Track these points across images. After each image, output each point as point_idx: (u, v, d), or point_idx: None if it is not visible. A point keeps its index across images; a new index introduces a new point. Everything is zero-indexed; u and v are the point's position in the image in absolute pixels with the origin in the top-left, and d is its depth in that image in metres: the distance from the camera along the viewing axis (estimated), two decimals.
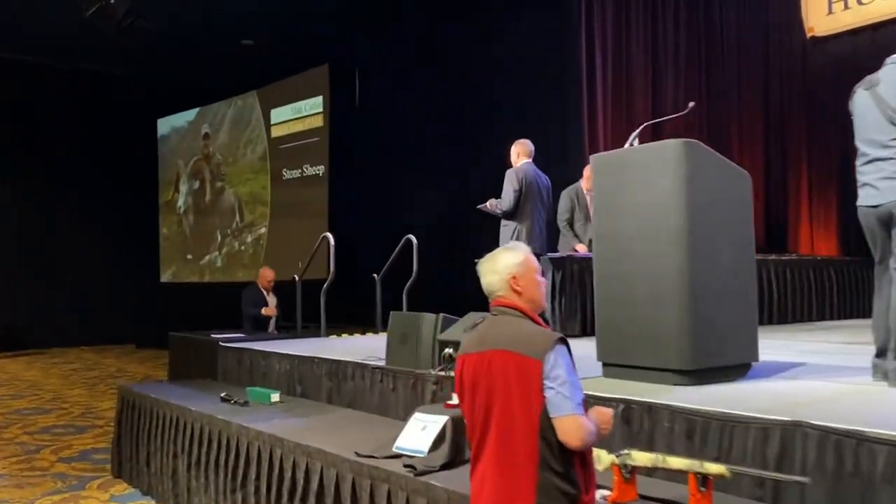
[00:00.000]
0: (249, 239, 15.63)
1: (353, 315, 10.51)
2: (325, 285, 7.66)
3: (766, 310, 7.92)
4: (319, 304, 8.46)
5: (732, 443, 3.13)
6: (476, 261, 2.87)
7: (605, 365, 4.29)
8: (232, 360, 6.72)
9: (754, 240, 4.23)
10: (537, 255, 7.05)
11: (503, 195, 6.94)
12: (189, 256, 17.08)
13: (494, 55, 10.74)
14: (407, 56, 12.28)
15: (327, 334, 7.65)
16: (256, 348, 6.44)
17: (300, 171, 14.38)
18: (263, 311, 9.12)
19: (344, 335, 7.74)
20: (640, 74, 10.37)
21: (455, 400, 3.88)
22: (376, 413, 4.98)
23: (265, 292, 9.42)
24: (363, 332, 7.97)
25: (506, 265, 2.79)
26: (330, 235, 7.58)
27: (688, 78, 10.64)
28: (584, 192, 7.81)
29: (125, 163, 16.94)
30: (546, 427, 2.53)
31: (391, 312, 5.09)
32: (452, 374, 4.64)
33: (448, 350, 4.48)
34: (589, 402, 3.58)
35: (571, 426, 2.51)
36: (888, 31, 10.22)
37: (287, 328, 9.27)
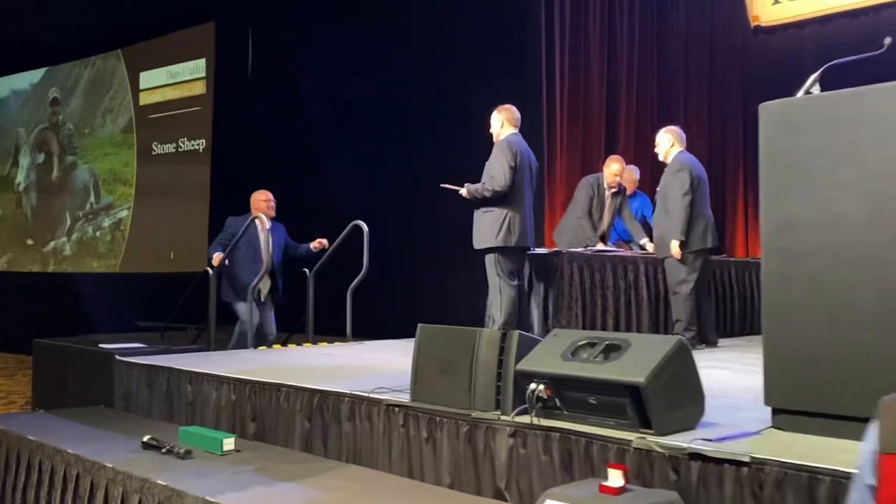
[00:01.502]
0: (107, 223, 13.36)
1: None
2: (255, 281, 5.91)
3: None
4: (189, 301, 7.07)
5: None
6: None
7: (777, 412, 2.92)
8: (138, 383, 4.92)
9: None
10: (524, 251, 5.68)
11: (493, 172, 5.47)
12: (30, 242, 14.51)
13: (430, 14, 9.21)
14: (314, 12, 10.51)
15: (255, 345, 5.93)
16: (178, 367, 4.68)
17: (175, 145, 12.31)
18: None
19: (276, 346, 6.05)
20: (596, 65, 9.28)
21: (617, 480, 2.40)
22: (396, 473, 3.41)
23: (258, 226, 6.39)
24: (296, 344, 6.27)
25: None
26: (265, 217, 5.88)
27: (641, 64, 9.74)
28: (605, 186, 6.60)
29: None
30: None
31: (419, 325, 3.51)
32: (541, 421, 3.17)
33: (537, 386, 3.00)
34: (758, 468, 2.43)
35: None
36: (836, 24, 9.80)
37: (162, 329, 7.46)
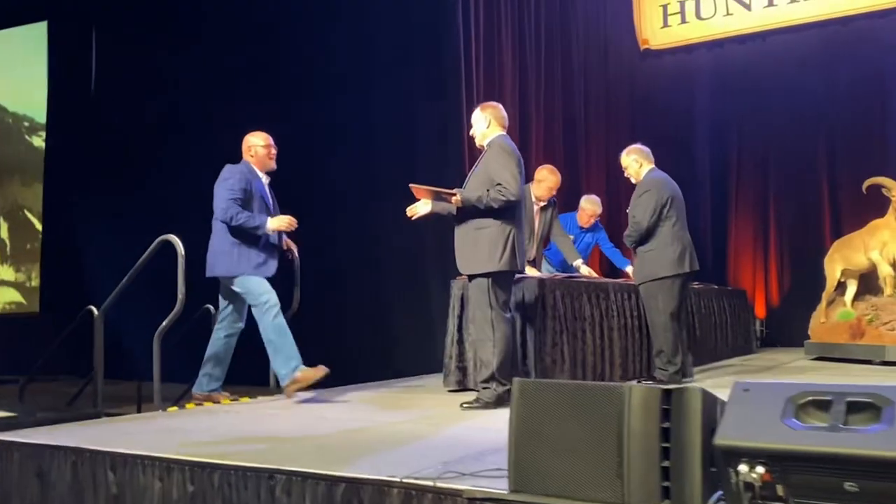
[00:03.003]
0: None
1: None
2: (164, 323, 4.56)
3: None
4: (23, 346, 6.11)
5: None
6: None
7: None
8: (20, 472, 3.51)
9: None
10: (516, 274, 4.66)
11: (501, 178, 4.31)
12: None
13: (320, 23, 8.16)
14: (172, 8, 9.10)
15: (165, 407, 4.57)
16: (91, 447, 3.34)
17: None
18: (270, 224, 4.80)
19: (191, 406, 4.70)
20: (508, 80, 8.73)
21: None
22: None
23: (262, 175, 5.05)
24: (211, 401, 4.92)
25: None
26: (176, 240, 4.58)
27: (547, 90, 9.35)
28: (533, 199, 5.80)
29: None
30: None
31: (516, 380, 2.44)
32: None
33: (751, 469, 2.04)
34: None
35: None
36: (724, 50, 9.94)
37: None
